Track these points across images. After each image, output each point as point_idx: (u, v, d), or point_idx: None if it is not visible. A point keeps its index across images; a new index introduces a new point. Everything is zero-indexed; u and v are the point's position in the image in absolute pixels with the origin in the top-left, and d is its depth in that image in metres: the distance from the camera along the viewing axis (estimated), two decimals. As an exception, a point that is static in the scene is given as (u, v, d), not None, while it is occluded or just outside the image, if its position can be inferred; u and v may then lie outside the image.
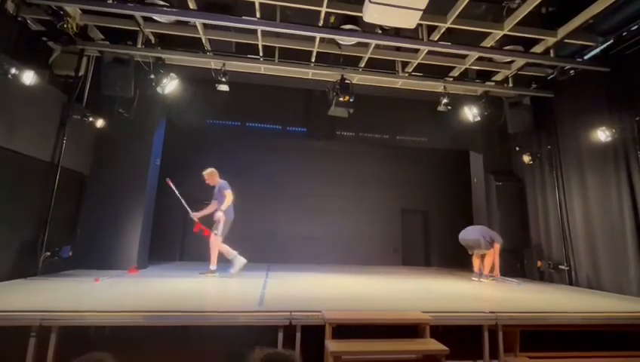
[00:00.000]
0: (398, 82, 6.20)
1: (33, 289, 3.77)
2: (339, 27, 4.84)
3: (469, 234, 6.00)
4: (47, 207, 4.76)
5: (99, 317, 2.76)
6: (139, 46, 5.27)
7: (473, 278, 5.96)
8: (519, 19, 4.59)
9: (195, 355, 2.93)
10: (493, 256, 5.81)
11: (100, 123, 5.45)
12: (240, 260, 5.25)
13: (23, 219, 4.42)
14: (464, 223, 7.11)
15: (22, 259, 4.40)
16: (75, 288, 3.95)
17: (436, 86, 6.21)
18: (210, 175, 5.55)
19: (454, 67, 6.02)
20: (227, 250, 5.31)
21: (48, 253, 4.72)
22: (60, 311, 2.76)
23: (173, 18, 4.79)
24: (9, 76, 3.88)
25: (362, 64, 5.90)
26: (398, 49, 5.74)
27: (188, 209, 5.35)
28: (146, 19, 4.97)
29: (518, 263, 6.58)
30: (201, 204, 8.20)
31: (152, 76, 5.32)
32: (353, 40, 5.16)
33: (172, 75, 5.45)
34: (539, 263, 6.12)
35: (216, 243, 5.23)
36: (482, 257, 6.00)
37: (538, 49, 5.28)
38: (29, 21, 4.55)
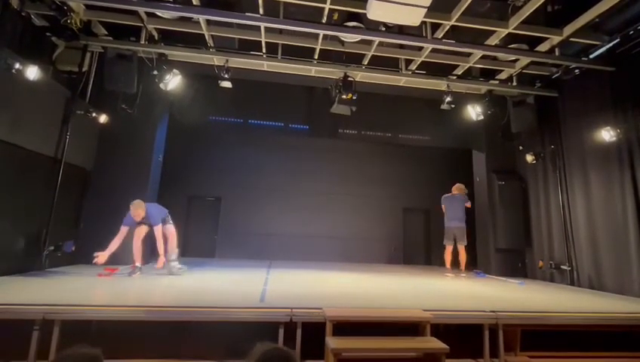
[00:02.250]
0: (402, 80, 6.17)
1: (36, 283, 3.80)
2: (342, 24, 4.81)
3: (455, 220, 6.21)
4: (50, 202, 4.79)
5: (101, 312, 2.79)
6: (142, 42, 5.27)
7: (447, 274, 6.04)
8: (524, 17, 4.55)
9: (196, 350, 2.94)
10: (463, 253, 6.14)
11: (102, 118, 5.47)
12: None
13: (26, 213, 4.45)
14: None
15: (25, 253, 4.44)
16: (77, 283, 3.98)
17: (440, 84, 6.18)
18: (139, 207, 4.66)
19: (458, 65, 5.98)
20: (138, 254, 4.88)
21: (52, 248, 4.76)
22: (63, 304, 2.78)
23: (177, 14, 4.78)
24: (13, 71, 3.89)
25: (365, 61, 5.88)
26: (401, 47, 5.71)
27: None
28: (150, 14, 4.96)
29: (519, 263, 6.57)
30: (203, 200, 8.28)
31: (155, 72, 5.32)
32: (356, 37, 5.13)
33: (175, 71, 5.45)
34: (540, 263, 6.11)
35: (173, 234, 4.94)
36: (452, 252, 6.21)
37: (543, 47, 5.23)
38: (32, 16, 4.55)
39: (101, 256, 4.41)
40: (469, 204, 6.42)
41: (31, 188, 4.50)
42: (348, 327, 2.82)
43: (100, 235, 5.32)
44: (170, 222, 5.06)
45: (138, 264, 4.76)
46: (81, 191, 5.59)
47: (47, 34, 4.78)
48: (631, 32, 4.63)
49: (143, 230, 4.86)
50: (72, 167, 5.24)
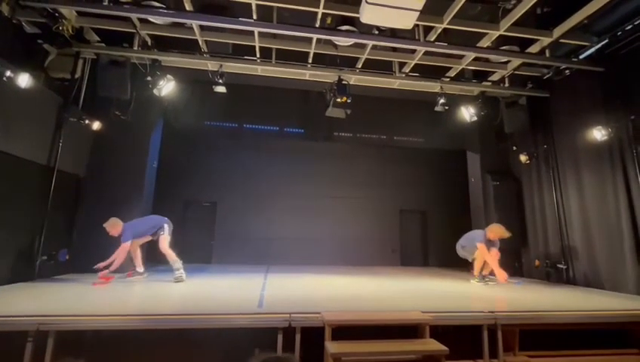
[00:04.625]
0: (395, 83, 6.22)
1: (30, 293, 3.74)
2: (335, 28, 4.84)
3: (458, 245, 5.86)
4: (43, 211, 4.73)
5: (96, 321, 2.75)
6: (135, 48, 5.25)
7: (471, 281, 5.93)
8: (515, 19, 4.62)
9: (195, 358, 2.91)
10: (481, 259, 5.54)
11: (96, 125, 5.43)
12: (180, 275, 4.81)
13: (19, 222, 4.39)
14: (462, 223, 7.15)
15: (18, 263, 4.37)
16: (72, 292, 3.92)
17: (433, 86, 6.23)
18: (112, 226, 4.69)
19: (451, 67, 6.04)
20: (138, 260, 5.03)
21: (45, 257, 4.69)
22: (58, 315, 2.74)
23: (170, 20, 4.77)
24: (4, 79, 3.86)
25: (359, 65, 5.91)
26: (394, 50, 5.75)
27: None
28: (142, 20, 4.95)
29: (515, 262, 6.61)
30: (199, 205, 8.23)
31: (149, 78, 5.29)
32: (350, 41, 5.16)
33: (169, 76, 5.43)
34: (536, 262, 6.15)
35: (166, 246, 4.91)
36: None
37: (534, 49, 5.31)
38: (24, 23, 4.52)
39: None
40: (479, 245, 5.38)
41: (23, 196, 4.44)
42: (347, 331, 2.81)
43: (94, 243, 5.28)
44: (163, 232, 4.87)
45: (138, 269, 4.75)
46: (75, 199, 5.53)
47: (39, 41, 4.74)
48: (619, 33, 4.71)
49: (144, 238, 4.86)
50: (66, 174, 5.19)
